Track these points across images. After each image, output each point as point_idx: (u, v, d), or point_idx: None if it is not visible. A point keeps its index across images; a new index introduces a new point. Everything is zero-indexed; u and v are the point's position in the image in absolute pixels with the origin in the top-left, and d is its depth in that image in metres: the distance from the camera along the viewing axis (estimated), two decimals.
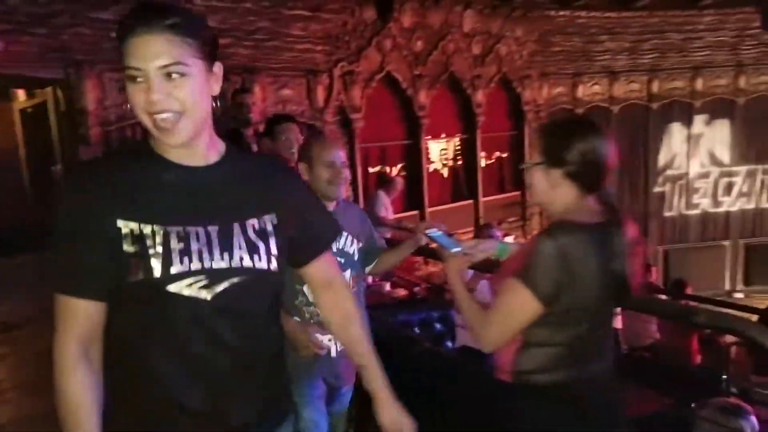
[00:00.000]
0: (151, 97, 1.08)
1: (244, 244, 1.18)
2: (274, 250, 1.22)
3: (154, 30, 1.07)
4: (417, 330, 3.87)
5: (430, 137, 8.10)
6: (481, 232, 4.91)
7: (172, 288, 1.11)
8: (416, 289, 5.85)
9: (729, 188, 10.49)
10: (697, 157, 10.41)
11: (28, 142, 7.02)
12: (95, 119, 5.42)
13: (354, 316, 1.43)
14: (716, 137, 10.39)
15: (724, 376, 3.19)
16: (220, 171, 1.21)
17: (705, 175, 10.47)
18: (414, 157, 7.97)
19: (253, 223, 1.20)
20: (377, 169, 7.72)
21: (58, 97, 5.60)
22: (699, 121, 10.27)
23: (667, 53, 9.70)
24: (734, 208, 10.52)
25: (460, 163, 8.62)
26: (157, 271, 1.10)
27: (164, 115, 1.10)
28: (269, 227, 1.23)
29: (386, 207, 6.71)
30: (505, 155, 9.09)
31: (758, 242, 10.41)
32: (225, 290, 1.15)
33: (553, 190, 1.60)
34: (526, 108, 9.18)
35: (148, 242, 1.10)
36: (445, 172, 8.50)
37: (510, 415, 1.65)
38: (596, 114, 9.77)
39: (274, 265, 1.22)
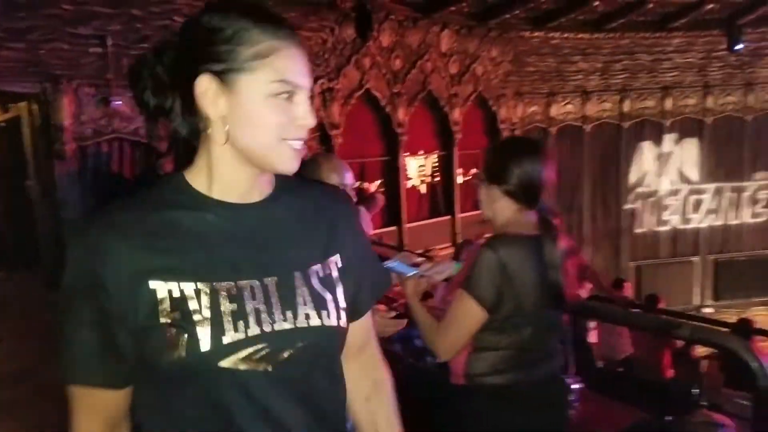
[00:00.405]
0: (311, 121, 0.91)
1: (309, 298, 0.93)
2: (342, 302, 0.98)
3: (299, 45, 0.90)
4: (398, 346, 3.89)
5: (408, 154, 8.18)
6: (463, 248, 4.97)
7: (225, 363, 0.85)
8: (394, 305, 5.84)
9: (698, 205, 10.75)
10: (667, 175, 10.65)
11: (0, 157, 6.90)
12: (71, 134, 5.36)
13: (384, 387, 1.15)
14: (685, 156, 10.66)
15: (696, 390, 3.26)
16: (275, 206, 0.97)
17: (675, 193, 10.71)
18: (392, 174, 8.03)
19: (317, 269, 0.96)
20: (356, 185, 7.75)
21: (33, 112, 5.53)
22: (669, 139, 10.54)
23: (637, 74, 9.96)
24: (703, 225, 10.77)
25: (437, 179, 8.71)
26: (205, 344, 0.85)
27: (300, 142, 0.92)
28: (335, 273, 0.99)
29: (367, 223, 6.73)
30: None
31: (726, 258, 10.67)
32: (289, 358, 0.90)
33: (494, 205, 1.76)
34: (502, 126, 9.34)
35: (192, 306, 0.85)
36: (423, 189, 8.57)
37: (465, 415, 1.77)
38: (569, 132, 9.98)
39: (343, 320, 0.98)
